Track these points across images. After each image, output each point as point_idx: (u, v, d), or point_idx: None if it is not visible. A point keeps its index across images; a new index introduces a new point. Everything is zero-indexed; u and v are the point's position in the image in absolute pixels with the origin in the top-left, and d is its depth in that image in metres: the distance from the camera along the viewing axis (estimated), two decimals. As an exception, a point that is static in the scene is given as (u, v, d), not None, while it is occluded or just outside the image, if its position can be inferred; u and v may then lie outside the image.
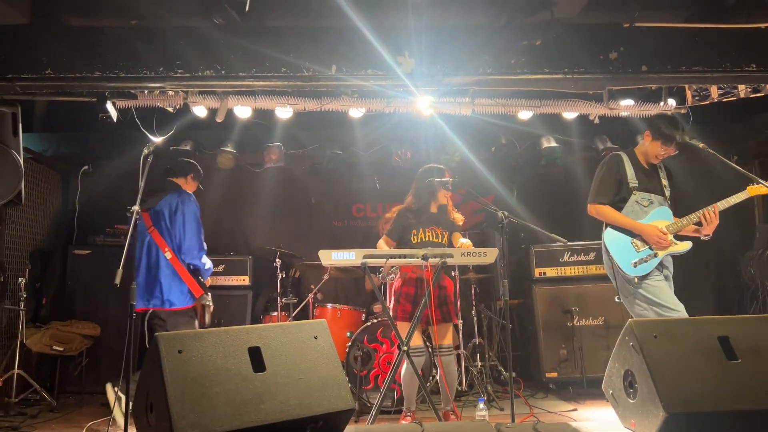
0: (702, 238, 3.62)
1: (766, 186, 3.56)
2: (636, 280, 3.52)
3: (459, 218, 4.23)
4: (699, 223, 3.58)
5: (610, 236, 3.68)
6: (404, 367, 3.90)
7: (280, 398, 2.26)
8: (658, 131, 3.62)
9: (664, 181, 3.73)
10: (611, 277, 3.68)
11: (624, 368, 2.54)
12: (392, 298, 4.11)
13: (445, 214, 4.20)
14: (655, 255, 3.54)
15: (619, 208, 3.65)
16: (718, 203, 3.54)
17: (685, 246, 3.56)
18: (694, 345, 2.45)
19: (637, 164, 3.72)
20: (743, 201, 3.62)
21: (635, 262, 3.54)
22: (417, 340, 3.91)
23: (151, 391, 2.22)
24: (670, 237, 3.53)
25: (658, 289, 3.47)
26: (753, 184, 3.59)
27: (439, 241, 4.07)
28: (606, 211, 3.65)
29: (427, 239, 4.04)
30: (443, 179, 4.04)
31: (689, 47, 3.83)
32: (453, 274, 5.12)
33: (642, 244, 3.58)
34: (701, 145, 3.65)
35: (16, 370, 4.65)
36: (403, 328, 3.75)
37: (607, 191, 3.68)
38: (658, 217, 3.61)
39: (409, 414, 4.03)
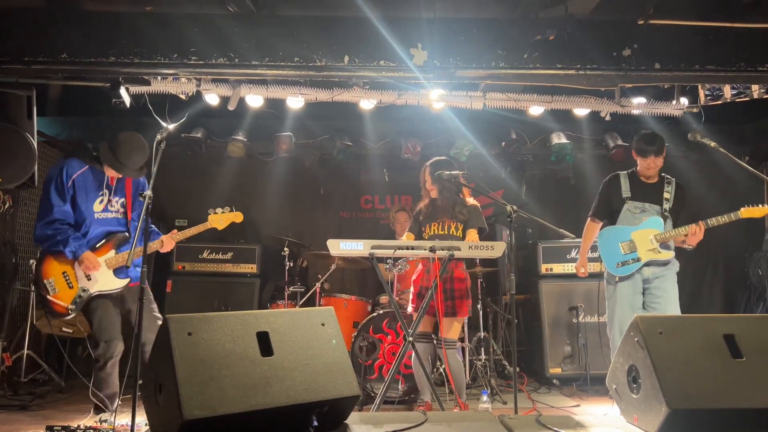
0: (686, 248, 3.90)
1: (760, 209, 3.72)
2: (617, 279, 3.94)
3: (472, 202, 4.08)
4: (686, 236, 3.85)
5: (602, 237, 4.09)
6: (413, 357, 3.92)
7: (287, 383, 2.28)
8: (635, 148, 4.02)
9: (667, 195, 3.97)
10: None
11: (628, 363, 2.55)
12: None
13: (459, 206, 4.01)
14: (639, 259, 3.89)
15: (616, 218, 4.05)
16: (706, 220, 3.76)
17: (667, 255, 3.89)
18: (700, 342, 2.45)
19: (636, 179, 4.06)
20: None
21: (619, 263, 3.92)
22: (426, 327, 3.94)
23: (160, 372, 2.24)
24: (657, 245, 3.86)
25: (618, 301, 3.93)
26: (746, 207, 3.75)
27: (447, 232, 3.96)
28: (586, 226, 4.26)
29: (433, 232, 4.00)
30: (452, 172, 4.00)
31: (704, 46, 3.80)
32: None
33: (628, 248, 3.93)
34: (713, 144, 3.67)
35: (25, 351, 4.72)
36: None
37: (598, 207, 4.20)
38: (649, 225, 3.92)
39: (422, 404, 4.04)
